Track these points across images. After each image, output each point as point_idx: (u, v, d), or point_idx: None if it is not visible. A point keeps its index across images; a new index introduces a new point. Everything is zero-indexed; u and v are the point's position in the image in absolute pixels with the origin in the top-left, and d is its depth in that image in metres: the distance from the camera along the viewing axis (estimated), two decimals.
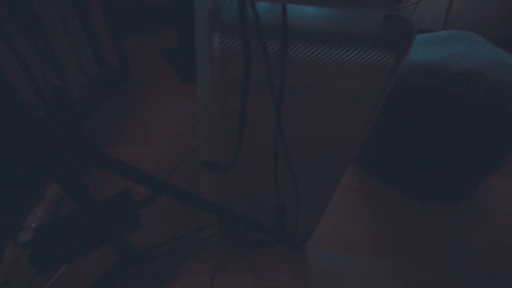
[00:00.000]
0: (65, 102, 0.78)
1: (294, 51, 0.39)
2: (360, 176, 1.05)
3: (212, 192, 0.63)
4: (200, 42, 0.44)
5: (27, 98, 0.64)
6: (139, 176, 0.46)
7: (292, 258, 0.79)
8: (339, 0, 0.35)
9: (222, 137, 0.46)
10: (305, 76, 0.40)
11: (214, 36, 0.39)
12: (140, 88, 1.35)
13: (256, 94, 0.42)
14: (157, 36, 1.76)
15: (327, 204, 0.65)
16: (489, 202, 1.00)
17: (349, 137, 0.48)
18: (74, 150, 0.39)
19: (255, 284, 0.73)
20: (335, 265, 0.80)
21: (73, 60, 0.89)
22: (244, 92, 0.30)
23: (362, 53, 0.38)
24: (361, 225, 0.90)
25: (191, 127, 1.18)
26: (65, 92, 0.81)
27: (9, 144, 0.35)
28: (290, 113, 0.44)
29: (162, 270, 0.74)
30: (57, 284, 0.70)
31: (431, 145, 0.85)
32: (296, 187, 0.47)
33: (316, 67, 0.39)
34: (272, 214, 0.67)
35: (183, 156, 1.04)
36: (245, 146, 0.48)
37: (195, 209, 0.87)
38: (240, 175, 0.55)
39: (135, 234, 0.58)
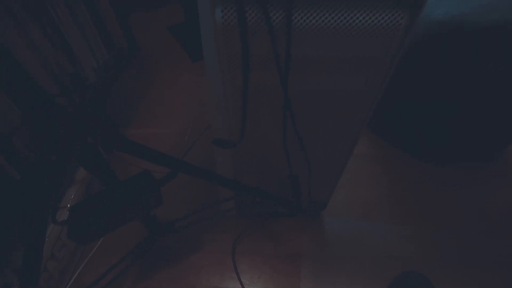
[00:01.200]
0: (81, 88, 0.81)
1: (299, 19, 0.37)
2: (377, 144, 1.03)
3: (227, 168, 0.65)
4: (203, 16, 0.43)
5: (47, 87, 0.67)
6: (157, 157, 0.49)
7: (309, 226, 0.82)
8: None
9: (231, 113, 0.46)
10: (313, 45, 0.39)
11: (215, 9, 0.38)
12: (149, 67, 1.36)
13: (263, 67, 0.42)
14: (163, 12, 1.72)
15: (340, 174, 0.66)
16: None
17: (359, 107, 0.46)
18: (94, 134, 0.41)
19: (273, 250, 0.78)
20: (351, 231, 0.82)
21: (84, 46, 0.90)
22: (244, 67, 0.29)
23: (372, 14, 0.36)
24: (378, 192, 0.90)
25: (203, 105, 1.19)
26: (80, 78, 0.83)
27: (37, 131, 0.38)
28: (297, 85, 0.43)
29: (187, 240, 0.80)
30: (96, 256, 0.78)
31: (454, 106, 0.81)
32: (306, 159, 0.47)
33: (324, 34, 0.38)
34: (287, 185, 0.69)
35: (198, 134, 1.06)
36: (255, 120, 0.49)
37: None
38: (252, 149, 0.56)
39: (160, 208, 0.62)
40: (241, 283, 0.72)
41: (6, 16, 0.66)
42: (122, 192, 0.50)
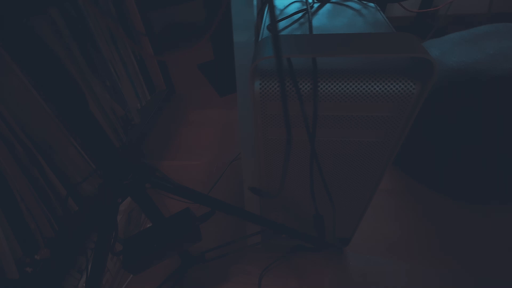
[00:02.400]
0: (129, 129, 0.93)
1: (325, 89, 0.44)
2: (402, 179, 1.04)
3: (255, 205, 0.71)
4: (242, 85, 0.52)
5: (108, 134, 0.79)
6: (199, 197, 0.56)
7: (332, 261, 0.84)
8: (365, 48, 0.40)
9: (264, 163, 0.53)
10: (336, 107, 0.46)
11: (254, 82, 0.46)
12: (183, 104, 1.49)
13: (293, 124, 0.49)
14: (192, 51, 1.90)
15: (363, 214, 0.69)
16: None
17: (379, 157, 0.52)
18: (146, 179, 0.49)
19: (297, 285, 0.80)
20: (373, 268, 0.83)
21: (131, 91, 1.04)
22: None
23: (387, 85, 0.42)
24: (401, 229, 0.91)
25: (231, 136, 1.28)
26: (128, 120, 0.96)
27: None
28: (323, 140, 0.50)
29: (216, 271, 0.85)
30: (133, 283, 0.85)
31: (475, 148, 0.83)
32: (332, 204, 0.52)
33: (346, 99, 0.44)
34: (311, 222, 0.73)
35: (225, 164, 1.14)
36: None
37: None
38: (281, 194, 0.62)
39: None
40: None
41: (78, 73, 0.80)
42: (167, 228, 0.57)
